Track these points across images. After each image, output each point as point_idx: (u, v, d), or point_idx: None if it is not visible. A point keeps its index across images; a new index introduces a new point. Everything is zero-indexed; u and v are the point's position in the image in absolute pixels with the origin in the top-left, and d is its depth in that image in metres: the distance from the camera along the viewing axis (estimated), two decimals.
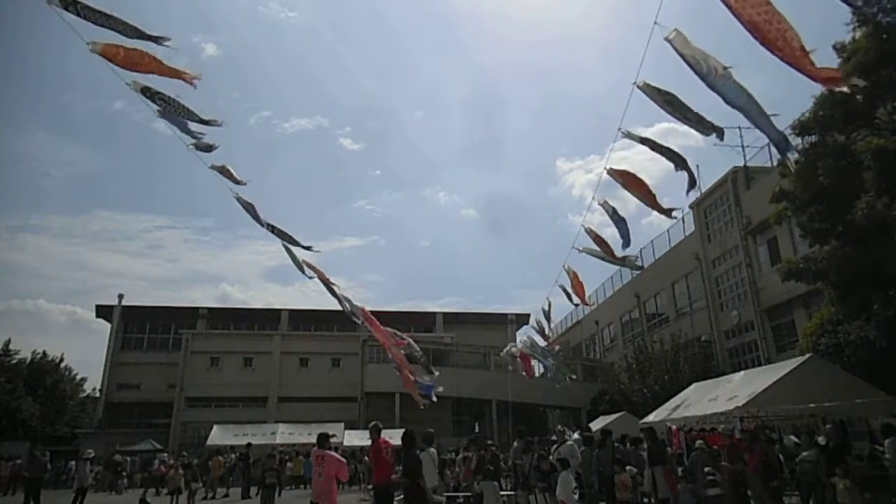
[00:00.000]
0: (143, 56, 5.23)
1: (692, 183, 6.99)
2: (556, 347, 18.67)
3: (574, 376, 17.70)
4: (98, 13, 4.76)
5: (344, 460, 8.31)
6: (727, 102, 4.90)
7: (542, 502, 9.11)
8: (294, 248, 9.19)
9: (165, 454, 27.11)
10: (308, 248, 9.06)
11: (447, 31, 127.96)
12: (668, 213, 8.06)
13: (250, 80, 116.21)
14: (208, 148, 6.45)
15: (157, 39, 5.06)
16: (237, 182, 7.45)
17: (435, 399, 11.35)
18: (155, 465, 24.79)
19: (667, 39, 5.18)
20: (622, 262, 10.32)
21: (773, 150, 19.52)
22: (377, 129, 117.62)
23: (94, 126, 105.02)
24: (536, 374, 20.80)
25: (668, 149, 6.79)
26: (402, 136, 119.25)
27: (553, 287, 13.07)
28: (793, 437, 14.35)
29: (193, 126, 6.07)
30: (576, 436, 14.61)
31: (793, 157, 5.01)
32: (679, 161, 6.75)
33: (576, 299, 12.86)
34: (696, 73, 5.00)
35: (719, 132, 5.92)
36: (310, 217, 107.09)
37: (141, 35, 5.01)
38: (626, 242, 9.00)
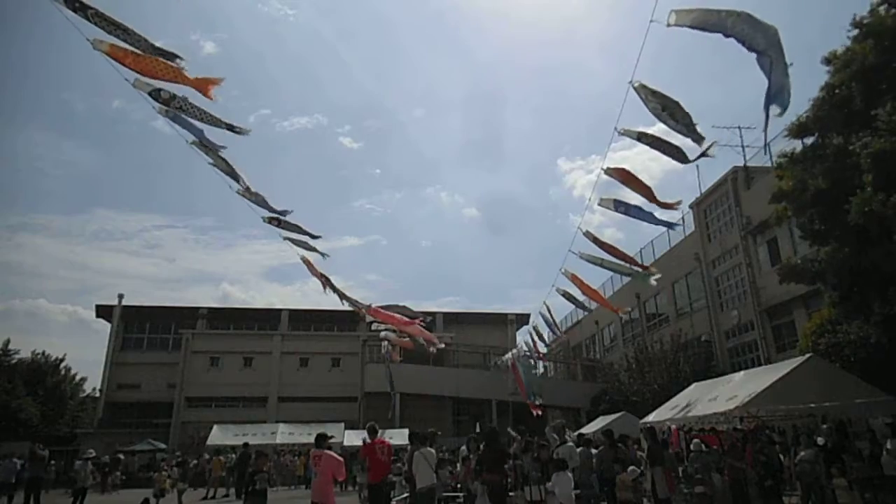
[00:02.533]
0: (159, 64, 5.08)
1: (701, 154, 6.62)
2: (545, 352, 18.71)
3: (540, 400, 17.85)
4: (113, 24, 4.65)
5: (341, 459, 8.38)
6: (749, 47, 4.66)
7: (539, 495, 9.06)
8: (299, 244, 9.09)
9: (166, 454, 27.06)
10: (315, 238, 8.91)
11: (446, 29, 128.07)
12: (670, 206, 7.95)
13: (249, 78, 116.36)
14: (212, 147, 6.26)
15: (171, 56, 4.94)
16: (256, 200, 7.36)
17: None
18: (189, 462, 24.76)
19: (670, 25, 5.15)
20: (629, 269, 10.07)
21: (772, 149, 19.30)
22: (377, 128, 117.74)
23: (92, 124, 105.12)
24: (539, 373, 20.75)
25: (666, 142, 6.62)
26: (402, 134, 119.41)
27: (550, 291, 13.06)
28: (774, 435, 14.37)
29: (212, 131, 5.91)
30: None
31: (777, 112, 4.66)
32: (678, 154, 6.54)
33: (587, 302, 12.74)
34: (715, 29, 4.86)
35: (703, 148, 5.82)
36: (309, 216, 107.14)
37: (155, 51, 4.91)
38: (656, 221, 8.77)
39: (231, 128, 5.73)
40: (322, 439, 8.31)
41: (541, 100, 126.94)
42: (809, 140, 12.18)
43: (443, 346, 12.11)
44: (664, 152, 6.66)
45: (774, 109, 4.63)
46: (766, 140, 4.93)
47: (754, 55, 4.68)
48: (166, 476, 17.12)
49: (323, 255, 9.14)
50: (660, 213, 8.54)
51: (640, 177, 7.86)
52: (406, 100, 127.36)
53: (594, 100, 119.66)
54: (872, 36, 10.46)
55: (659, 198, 7.79)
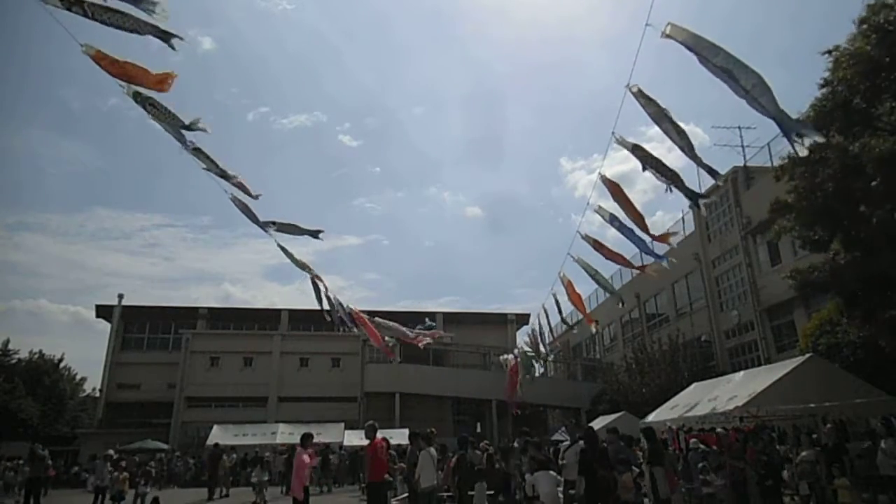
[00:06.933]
0: (132, 67, 5.04)
1: (693, 196, 6.74)
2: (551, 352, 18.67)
3: (529, 378, 17.58)
4: (111, 11, 4.59)
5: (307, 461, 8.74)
6: (735, 88, 4.64)
7: (532, 493, 9.01)
8: (291, 250, 9.06)
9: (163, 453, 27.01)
10: (316, 235, 8.71)
11: (446, 26, 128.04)
12: (663, 239, 7.92)
13: (248, 75, 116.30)
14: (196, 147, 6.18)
15: (169, 37, 4.80)
16: (251, 196, 7.27)
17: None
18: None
19: (664, 36, 5.11)
20: (612, 288, 10.13)
21: (773, 150, 19.20)
22: (377, 126, 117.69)
23: (90, 123, 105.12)
24: (536, 374, 20.80)
25: (659, 161, 6.50)
26: (402, 132, 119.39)
27: (548, 297, 13.06)
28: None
29: (185, 133, 5.88)
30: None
31: (805, 142, 4.50)
32: (670, 176, 6.46)
33: (569, 318, 12.73)
34: (702, 57, 4.83)
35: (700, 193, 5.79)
36: (308, 214, 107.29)
37: (156, 32, 4.74)
38: (646, 249, 8.59)
39: (189, 128, 5.54)
40: (307, 439, 8.72)
41: (542, 98, 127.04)
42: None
43: (427, 341, 11.87)
44: (655, 170, 6.48)
45: (803, 141, 4.52)
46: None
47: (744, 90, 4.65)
48: (126, 477, 15.23)
49: (316, 234, 8.74)
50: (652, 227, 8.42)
51: (633, 201, 7.59)
52: (406, 97, 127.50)
53: (597, 98, 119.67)
54: (878, 30, 10.33)
55: (650, 226, 7.66)
